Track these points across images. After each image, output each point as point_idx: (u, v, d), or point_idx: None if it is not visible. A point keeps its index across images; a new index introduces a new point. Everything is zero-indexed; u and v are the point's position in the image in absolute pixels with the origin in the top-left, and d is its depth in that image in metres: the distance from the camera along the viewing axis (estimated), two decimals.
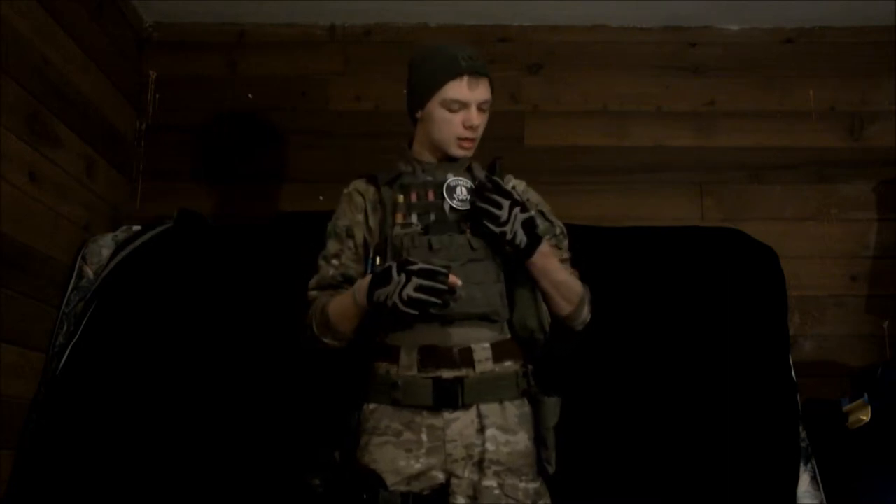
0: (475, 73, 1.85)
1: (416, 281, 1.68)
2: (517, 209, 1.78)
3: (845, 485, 2.30)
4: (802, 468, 2.24)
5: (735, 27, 3.10)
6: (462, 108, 1.86)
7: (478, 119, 1.88)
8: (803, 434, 2.30)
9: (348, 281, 1.91)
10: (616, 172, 2.99)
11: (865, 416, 2.28)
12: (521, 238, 1.78)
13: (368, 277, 1.77)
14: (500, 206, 1.77)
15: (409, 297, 1.68)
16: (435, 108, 1.87)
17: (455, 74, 1.84)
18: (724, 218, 2.91)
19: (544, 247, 1.83)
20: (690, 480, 2.18)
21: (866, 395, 2.30)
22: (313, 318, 1.88)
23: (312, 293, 1.93)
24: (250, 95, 3.06)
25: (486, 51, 3.05)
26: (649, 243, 2.58)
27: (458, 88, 1.85)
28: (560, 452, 1.82)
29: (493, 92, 1.91)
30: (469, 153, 1.92)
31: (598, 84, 3.06)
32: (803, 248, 2.90)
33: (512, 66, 3.07)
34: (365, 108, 3.04)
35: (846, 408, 2.34)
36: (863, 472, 2.30)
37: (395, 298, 1.69)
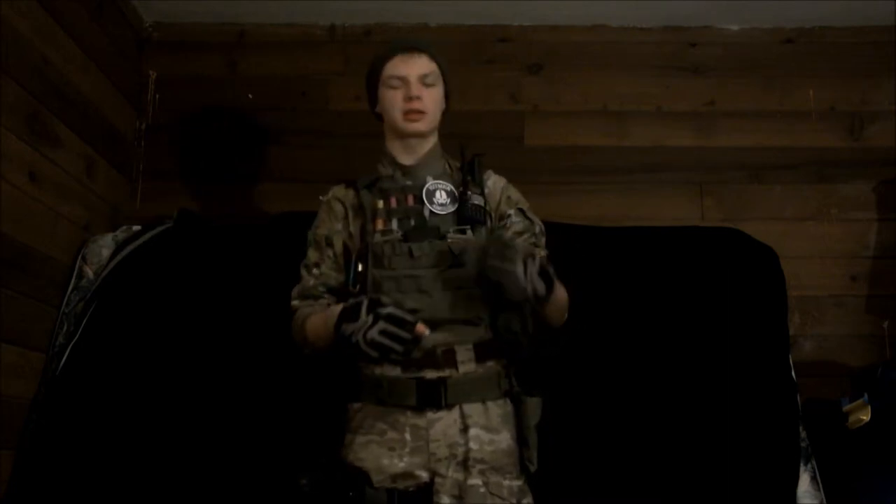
0: (408, 49, 1.94)
1: (382, 325, 1.65)
2: (529, 260, 1.65)
3: (845, 485, 2.30)
4: (802, 468, 2.24)
5: (735, 27, 3.09)
6: (402, 83, 1.92)
7: (418, 91, 1.91)
8: (803, 434, 2.30)
9: (330, 291, 1.93)
10: (616, 172, 2.99)
11: (865, 416, 2.28)
12: (541, 287, 1.67)
13: (340, 307, 1.76)
14: (514, 262, 1.64)
15: (373, 340, 1.65)
16: (383, 94, 1.95)
17: (389, 55, 1.94)
18: (724, 218, 2.91)
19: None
20: (690, 480, 2.18)
21: (866, 395, 2.30)
22: (294, 329, 1.92)
23: (294, 303, 1.96)
24: (250, 95, 3.06)
25: (486, 51, 3.07)
26: (649, 243, 2.58)
27: (393, 65, 1.93)
28: (561, 452, 1.82)
29: (441, 68, 1.96)
30: (420, 127, 1.93)
31: (598, 84, 3.06)
32: (803, 248, 2.89)
33: (512, 66, 3.07)
34: (365, 108, 2.97)
35: (846, 408, 2.34)
36: (863, 472, 2.30)
37: (360, 337, 1.66)
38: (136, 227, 2.67)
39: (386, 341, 1.64)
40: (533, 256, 1.68)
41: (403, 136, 1.95)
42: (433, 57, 1.96)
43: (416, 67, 1.92)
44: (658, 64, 3.07)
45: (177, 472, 2.18)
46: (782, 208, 2.96)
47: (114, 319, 2.39)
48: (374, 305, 1.67)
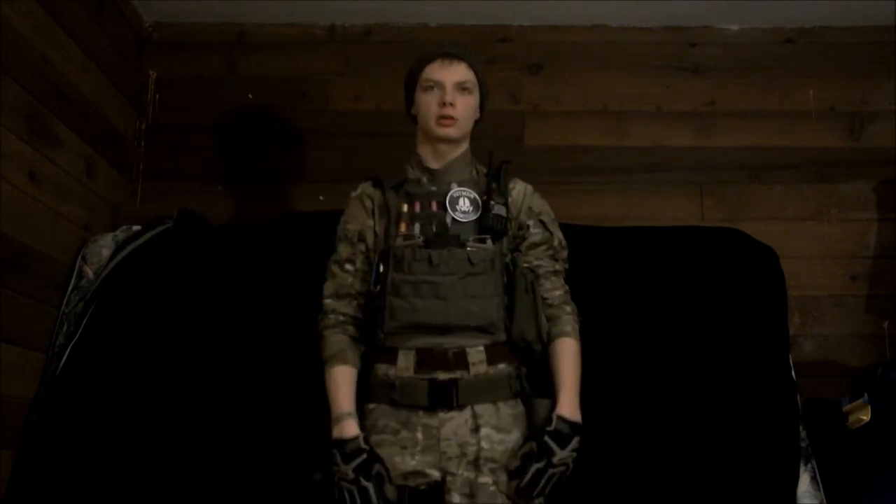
0: (448, 55, 1.95)
1: (354, 492, 1.73)
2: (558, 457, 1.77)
3: (845, 485, 2.30)
4: (802, 468, 2.24)
5: (735, 27, 3.10)
6: (438, 87, 1.93)
7: (453, 97, 1.92)
8: (803, 434, 2.30)
9: (363, 294, 1.93)
10: (616, 172, 2.99)
11: (865, 416, 2.28)
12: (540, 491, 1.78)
13: (348, 425, 1.80)
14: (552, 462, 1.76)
15: (342, 490, 1.75)
16: (418, 96, 1.97)
17: (429, 59, 1.95)
18: (724, 218, 2.91)
19: (566, 405, 1.84)
20: (690, 480, 2.18)
21: (866, 395, 2.30)
22: (322, 345, 1.92)
23: (328, 301, 1.94)
24: (250, 95, 3.06)
25: (486, 51, 3.06)
26: (649, 243, 2.58)
27: (431, 69, 1.94)
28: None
29: (479, 76, 1.98)
30: (451, 133, 1.94)
31: (598, 84, 3.06)
32: (803, 248, 2.89)
33: (512, 66, 3.07)
34: (365, 108, 3.04)
35: (846, 408, 2.34)
36: (863, 472, 2.30)
37: (337, 476, 1.76)
38: (136, 227, 2.67)
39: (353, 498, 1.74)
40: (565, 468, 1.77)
41: (434, 140, 1.96)
42: (472, 65, 1.97)
43: (453, 74, 1.93)
44: (658, 64, 3.07)
45: (177, 472, 2.18)
46: (782, 208, 2.96)
47: (114, 319, 2.39)
48: (364, 469, 1.73)
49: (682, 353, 2.35)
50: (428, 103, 1.93)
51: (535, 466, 1.74)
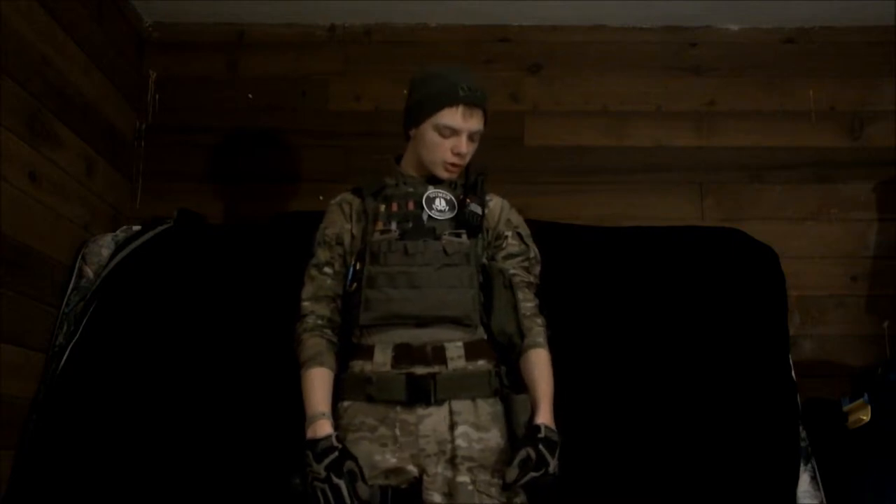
0: (472, 103, 1.89)
1: (326, 491, 1.69)
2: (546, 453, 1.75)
3: (845, 485, 2.30)
4: (802, 468, 2.24)
5: (735, 27, 3.09)
6: (453, 134, 1.90)
7: (467, 147, 1.92)
8: (803, 434, 2.30)
9: (341, 297, 1.94)
10: (616, 172, 2.99)
11: (865, 416, 2.27)
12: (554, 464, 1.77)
13: (321, 425, 1.77)
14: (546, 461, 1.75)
15: (315, 490, 1.70)
16: (427, 130, 1.91)
17: (451, 102, 1.88)
18: (724, 218, 2.91)
19: (546, 414, 1.83)
20: (690, 480, 2.18)
21: (866, 395, 2.30)
22: (296, 347, 1.91)
23: (306, 304, 1.95)
24: (250, 95, 3.07)
25: (486, 51, 3.07)
26: (649, 243, 2.58)
27: (453, 116, 1.89)
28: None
29: (486, 122, 1.95)
30: (454, 177, 1.97)
31: (598, 84, 3.06)
32: (803, 248, 2.90)
33: (512, 66, 3.07)
34: (365, 108, 3.04)
35: (846, 408, 2.34)
36: (863, 472, 2.30)
37: (310, 477, 1.72)
38: (136, 227, 2.67)
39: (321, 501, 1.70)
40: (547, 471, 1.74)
41: (431, 174, 1.97)
42: (485, 111, 1.94)
43: (472, 124, 1.90)
44: (658, 64, 3.07)
45: (176, 472, 2.18)
46: (782, 208, 2.96)
47: (114, 319, 2.39)
48: (335, 467, 1.70)
49: (682, 353, 2.35)
50: (441, 147, 1.91)
51: (532, 475, 1.73)
